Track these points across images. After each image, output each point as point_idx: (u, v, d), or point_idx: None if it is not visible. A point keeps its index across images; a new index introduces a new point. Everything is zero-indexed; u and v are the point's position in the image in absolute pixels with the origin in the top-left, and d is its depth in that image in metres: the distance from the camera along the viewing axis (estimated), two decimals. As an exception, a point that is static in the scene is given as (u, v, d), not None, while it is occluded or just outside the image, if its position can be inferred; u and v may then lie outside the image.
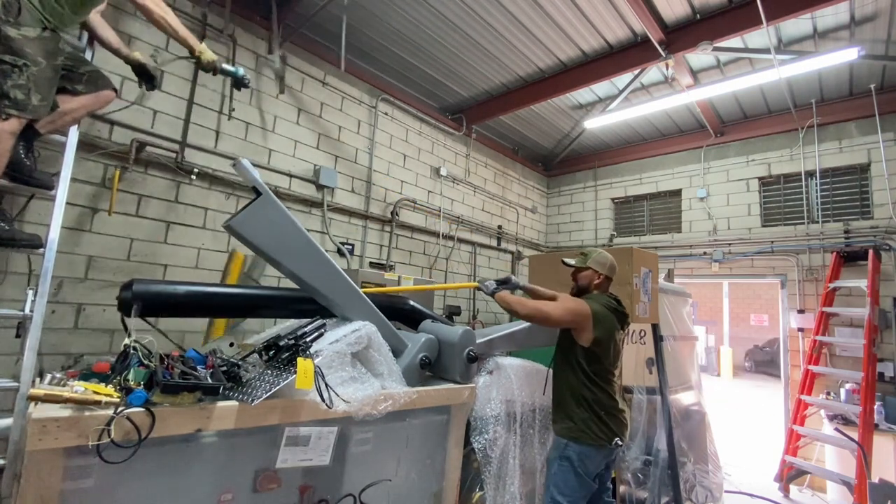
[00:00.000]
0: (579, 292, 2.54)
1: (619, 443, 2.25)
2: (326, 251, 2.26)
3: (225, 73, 2.47)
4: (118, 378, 1.55)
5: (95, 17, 2.32)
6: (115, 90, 2.36)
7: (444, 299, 5.65)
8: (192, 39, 2.30)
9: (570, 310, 2.31)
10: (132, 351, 1.65)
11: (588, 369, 2.31)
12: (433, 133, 5.78)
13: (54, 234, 2.14)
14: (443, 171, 5.76)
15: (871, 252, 4.59)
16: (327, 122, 4.62)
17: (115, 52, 2.41)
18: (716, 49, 4.08)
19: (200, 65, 2.39)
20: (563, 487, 2.23)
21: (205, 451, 1.70)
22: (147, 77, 2.46)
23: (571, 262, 2.60)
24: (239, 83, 2.54)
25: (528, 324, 2.89)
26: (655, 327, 3.54)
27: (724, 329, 15.31)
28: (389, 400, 1.98)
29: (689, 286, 5.26)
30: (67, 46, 2.20)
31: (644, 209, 6.80)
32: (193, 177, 3.56)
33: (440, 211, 5.70)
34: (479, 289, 2.51)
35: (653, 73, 4.86)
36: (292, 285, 2.30)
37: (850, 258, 4.89)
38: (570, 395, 2.35)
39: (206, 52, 2.38)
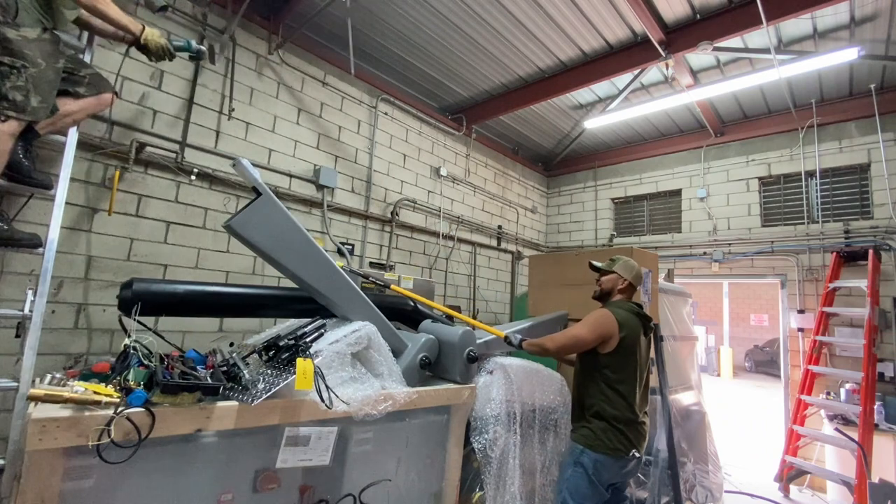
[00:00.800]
0: (602, 296, 2.53)
1: (637, 454, 2.22)
2: (326, 251, 2.26)
3: (180, 50, 2.32)
4: (118, 378, 1.55)
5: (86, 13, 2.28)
6: (116, 93, 2.36)
7: (444, 300, 5.65)
8: (132, 24, 2.16)
9: (597, 323, 2.27)
10: (132, 351, 1.66)
11: (609, 377, 2.27)
12: (433, 133, 5.77)
13: (54, 234, 2.14)
14: (443, 171, 5.76)
15: (871, 252, 4.59)
16: (327, 122, 4.62)
17: (114, 35, 2.28)
18: (716, 49, 4.08)
19: (149, 51, 2.22)
20: (575, 493, 2.21)
21: (205, 451, 1.70)
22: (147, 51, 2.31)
23: (599, 264, 2.58)
24: (198, 57, 2.38)
25: (527, 324, 2.90)
26: (655, 327, 3.54)
27: (724, 329, 15.32)
28: (389, 400, 1.98)
29: (689, 286, 5.27)
30: (68, 49, 2.20)
31: (644, 209, 6.80)
32: (193, 177, 3.56)
33: (440, 211, 5.70)
34: (507, 341, 2.46)
35: (653, 73, 4.86)
36: (292, 285, 2.30)
37: (850, 258, 4.89)
38: (589, 403, 2.32)
39: (153, 36, 2.22)
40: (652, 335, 3.54)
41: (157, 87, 3.43)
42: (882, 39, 4.14)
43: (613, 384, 2.27)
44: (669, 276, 4.76)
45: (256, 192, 1.93)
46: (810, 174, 5.37)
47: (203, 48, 2.43)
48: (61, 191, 2.19)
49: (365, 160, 4.95)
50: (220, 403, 1.62)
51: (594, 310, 2.41)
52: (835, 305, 4.90)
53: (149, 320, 2.01)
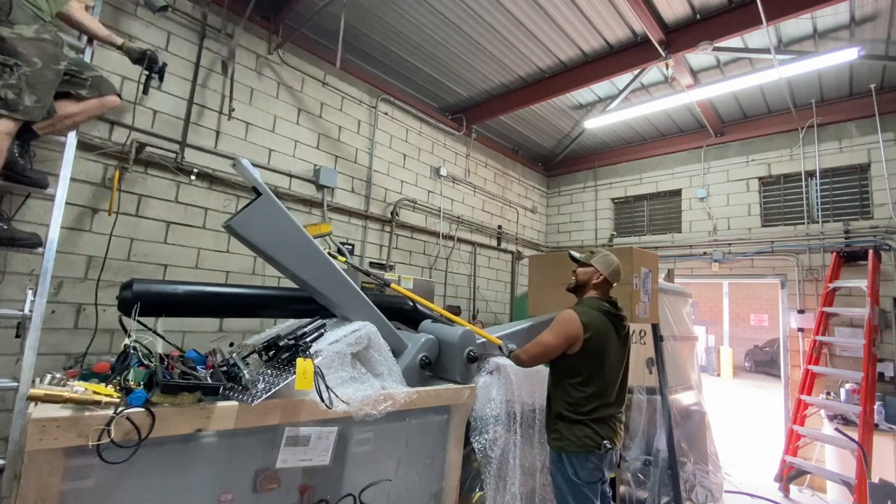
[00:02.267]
0: (576, 288, 2.50)
1: (608, 446, 2.19)
2: (326, 251, 2.26)
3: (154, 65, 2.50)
4: (118, 378, 1.55)
5: (80, 12, 2.29)
6: (119, 95, 2.36)
7: (444, 300, 5.65)
8: (112, 38, 2.38)
9: (562, 328, 2.24)
10: (132, 351, 1.66)
11: (574, 379, 2.25)
12: (433, 133, 5.77)
13: (54, 234, 2.14)
14: (443, 171, 5.76)
15: (871, 252, 4.59)
16: (327, 122, 4.61)
17: (108, 41, 2.40)
18: (716, 49, 4.07)
19: (130, 51, 2.42)
20: (570, 498, 2.20)
21: (205, 451, 1.70)
22: (149, 62, 2.45)
23: (577, 255, 2.55)
24: (159, 71, 2.52)
25: (527, 324, 2.90)
26: (655, 327, 3.54)
27: (724, 329, 15.31)
28: (389, 400, 1.98)
29: (689, 286, 5.26)
30: (71, 52, 2.20)
31: (644, 209, 6.80)
32: (193, 177, 3.56)
33: (440, 211, 5.70)
34: (500, 348, 2.47)
35: (653, 73, 4.86)
36: (292, 285, 2.30)
37: (850, 258, 4.89)
38: (556, 405, 2.31)
39: (132, 45, 2.43)
40: (654, 335, 3.55)
41: (158, 87, 3.42)
42: (882, 39, 4.14)
43: (578, 385, 2.23)
44: (669, 276, 4.75)
45: (256, 192, 1.93)
46: (810, 174, 5.37)
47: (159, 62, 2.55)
48: (61, 190, 2.19)
49: (365, 160, 4.95)
50: (220, 403, 1.62)
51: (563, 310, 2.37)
52: (835, 305, 4.90)
53: (149, 320, 2.01)
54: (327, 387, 1.77)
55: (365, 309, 2.26)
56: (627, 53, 4.47)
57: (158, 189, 3.41)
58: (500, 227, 6.68)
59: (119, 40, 2.41)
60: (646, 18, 3.79)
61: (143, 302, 1.86)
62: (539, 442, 2.58)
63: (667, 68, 4.48)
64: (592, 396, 2.23)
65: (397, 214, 5.15)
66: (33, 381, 1.95)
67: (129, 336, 1.69)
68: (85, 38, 2.43)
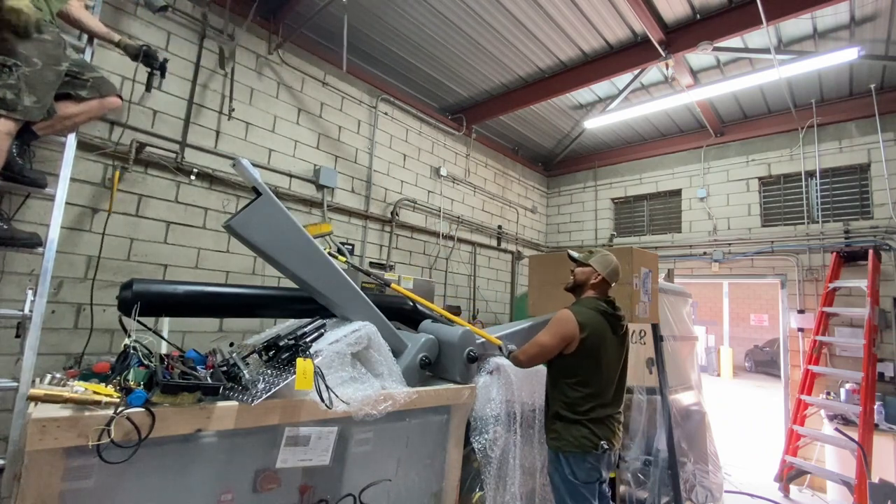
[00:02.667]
0: (574, 288, 2.50)
1: (606, 447, 2.18)
2: (326, 251, 2.26)
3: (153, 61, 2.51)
4: (118, 378, 1.55)
5: (79, 10, 2.29)
6: (121, 97, 2.36)
7: (444, 300, 5.64)
8: (110, 35, 2.40)
9: (558, 328, 2.23)
10: (132, 351, 1.66)
11: (571, 379, 2.25)
12: (433, 133, 5.77)
13: (54, 234, 2.14)
14: (443, 171, 5.76)
15: (871, 252, 4.59)
16: (327, 122, 4.61)
17: (106, 38, 2.42)
18: (716, 49, 4.08)
19: (128, 47, 2.46)
20: (567, 498, 2.19)
21: (205, 451, 1.70)
22: (146, 58, 2.47)
23: (575, 255, 2.55)
24: (160, 68, 2.54)
25: (527, 325, 2.90)
26: (655, 327, 3.54)
27: (724, 329, 15.31)
28: (389, 400, 1.98)
29: (689, 286, 5.26)
30: (73, 53, 2.20)
31: (644, 209, 6.80)
32: (193, 177, 3.56)
33: (440, 211, 5.70)
34: (500, 348, 2.47)
35: (653, 73, 4.86)
36: (292, 285, 2.30)
37: (850, 258, 4.89)
38: (553, 405, 2.31)
39: (131, 43, 2.48)
40: (654, 335, 3.55)
41: (158, 86, 3.41)
42: (882, 39, 4.14)
43: (575, 385, 2.23)
44: (669, 276, 4.75)
45: (256, 192, 1.93)
46: (810, 174, 5.37)
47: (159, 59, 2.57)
48: (61, 190, 2.19)
49: (365, 160, 4.95)
50: (220, 403, 1.62)
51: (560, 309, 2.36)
52: (835, 305, 4.90)
53: (149, 320, 2.00)
54: (327, 387, 1.77)
55: (365, 309, 2.26)
56: (627, 53, 4.47)
57: (158, 189, 3.41)
58: (500, 227, 6.68)
59: (117, 37, 2.42)
60: (646, 18, 3.80)
61: (143, 302, 1.86)
62: (539, 442, 2.58)
63: (667, 68, 4.48)
64: (589, 396, 2.23)
65: (397, 214, 5.15)
66: (33, 381, 1.95)
67: (129, 336, 1.69)
68: (85, 37, 2.44)
